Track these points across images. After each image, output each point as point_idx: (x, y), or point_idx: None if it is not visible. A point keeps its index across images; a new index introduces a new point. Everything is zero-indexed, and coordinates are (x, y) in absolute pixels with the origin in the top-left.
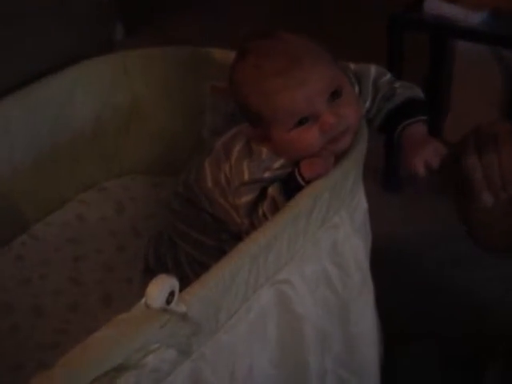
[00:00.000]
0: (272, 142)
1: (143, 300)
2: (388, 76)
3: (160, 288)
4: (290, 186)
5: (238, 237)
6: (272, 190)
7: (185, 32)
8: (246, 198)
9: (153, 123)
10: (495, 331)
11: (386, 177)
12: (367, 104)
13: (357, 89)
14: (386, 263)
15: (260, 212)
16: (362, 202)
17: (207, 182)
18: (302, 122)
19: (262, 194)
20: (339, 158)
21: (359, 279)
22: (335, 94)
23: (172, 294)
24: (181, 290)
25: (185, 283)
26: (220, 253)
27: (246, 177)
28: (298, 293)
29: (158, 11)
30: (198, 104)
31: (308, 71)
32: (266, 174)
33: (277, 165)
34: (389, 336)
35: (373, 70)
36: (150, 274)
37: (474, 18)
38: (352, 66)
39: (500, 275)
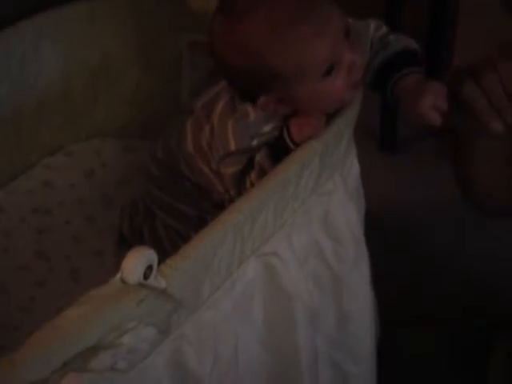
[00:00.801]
0: (294, 102)
1: (118, 275)
2: (384, 29)
3: (137, 261)
4: (279, 151)
5: (220, 206)
6: (260, 158)
7: None
8: (233, 169)
9: (125, 82)
10: (497, 310)
11: (381, 137)
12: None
13: None
14: (379, 231)
15: (248, 182)
16: (354, 165)
17: (188, 146)
18: (329, 71)
19: (250, 163)
20: (331, 117)
21: (353, 251)
22: (347, 33)
23: (150, 267)
24: (159, 264)
25: (163, 256)
26: (201, 223)
27: (233, 146)
28: (286, 266)
29: None
30: (174, 59)
31: (324, 12)
32: (254, 142)
33: (266, 129)
34: (383, 314)
35: (372, 26)
36: (124, 246)
37: None
38: (350, 20)
39: (506, 247)
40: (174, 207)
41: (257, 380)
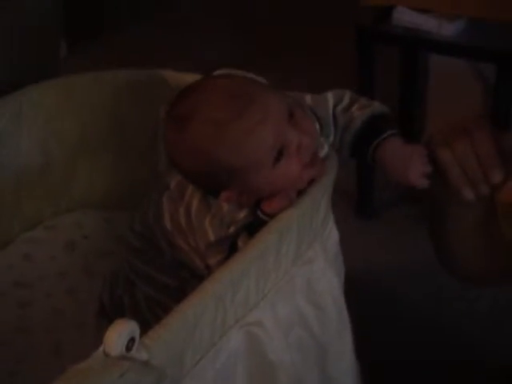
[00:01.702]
0: (255, 191)
1: (101, 348)
2: (345, 100)
3: (119, 334)
4: (258, 229)
5: (200, 276)
6: (242, 243)
7: (131, 49)
8: (217, 259)
9: (104, 154)
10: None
11: (357, 202)
12: (331, 138)
13: (317, 125)
14: (360, 296)
15: None
16: (333, 232)
17: (166, 222)
18: (279, 156)
19: (233, 249)
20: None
21: (336, 317)
22: (291, 115)
23: (132, 339)
24: (141, 335)
25: (144, 327)
26: (181, 293)
27: (212, 238)
28: (270, 336)
29: (102, 26)
30: (152, 132)
31: (262, 101)
32: (231, 229)
33: (241, 215)
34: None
35: (330, 98)
36: (105, 318)
37: (449, 28)
38: (308, 97)
39: (484, 308)
40: (153, 278)
41: None
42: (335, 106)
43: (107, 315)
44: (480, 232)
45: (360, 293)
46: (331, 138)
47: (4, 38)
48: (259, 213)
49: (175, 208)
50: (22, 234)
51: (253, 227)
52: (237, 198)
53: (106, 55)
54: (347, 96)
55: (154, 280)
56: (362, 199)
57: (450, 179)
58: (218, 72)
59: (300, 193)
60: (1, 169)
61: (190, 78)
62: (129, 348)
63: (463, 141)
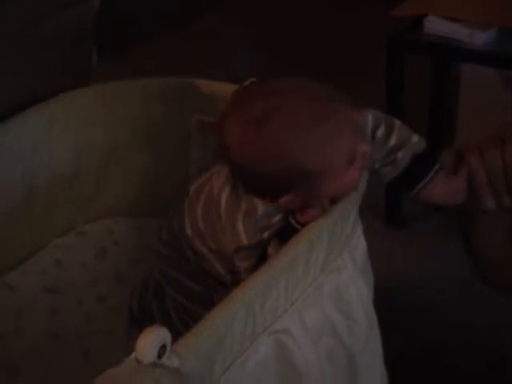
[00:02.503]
0: (315, 196)
1: (133, 354)
2: (382, 126)
3: (151, 341)
4: (289, 236)
5: (225, 282)
6: (272, 250)
7: (156, 62)
8: (248, 263)
9: (135, 162)
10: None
11: (387, 212)
12: None
13: None
14: (388, 306)
15: None
16: (361, 242)
17: (187, 228)
18: (350, 162)
19: (263, 255)
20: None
21: (366, 326)
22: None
23: (164, 347)
24: (171, 343)
25: (173, 334)
26: (209, 300)
27: (245, 241)
28: (298, 344)
29: (131, 37)
30: (183, 140)
31: (341, 109)
32: (265, 235)
33: (275, 220)
34: None
35: (369, 120)
36: (135, 325)
37: (480, 37)
38: None
39: None
40: (182, 284)
41: None
42: (374, 129)
43: (137, 323)
44: (506, 246)
45: (389, 303)
46: None
47: (39, 45)
48: (292, 220)
49: (193, 210)
50: (54, 240)
51: (284, 234)
52: (295, 203)
53: (131, 67)
54: (383, 120)
55: (183, 286)
56: (390, 209)
57: (475, 185)
58: (249, 81)
59: (332, 202)
60: (33, 175)
61: (223, 87)
62: (160, 355)
63: (494, 150)
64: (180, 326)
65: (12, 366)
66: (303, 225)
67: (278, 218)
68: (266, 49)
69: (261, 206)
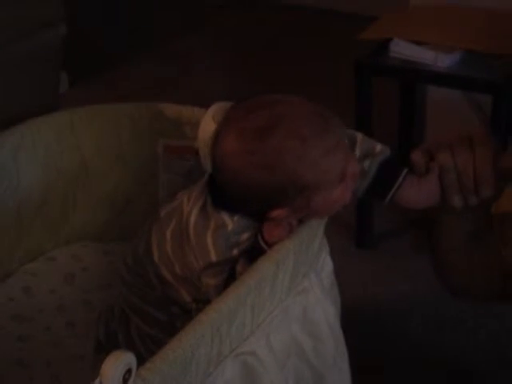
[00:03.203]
0: (308, 210)
1: (97, 380)
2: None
3: (116, 366)
4: (257, 256)
5: (190, 310)
6: (240, 267)
7: (132, 84)
8: (216, 280)
9: (103, 186)
10: None
11: (357, 233)
12: None
13: None
14: (359, 326)
15: None
16: (328, 262)
17: (153, 253)
18: (342, 179)
19: (231, 273)
20: None
21: (332, 346)
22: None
23: (129, 371)
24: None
25: (139, 362)
26: (173, 328)
27: (214, 258)
28: (265, 366)
29: (103, 61)
30: (151, 164)
31: (337, 126)
32: (235, 251)
33: (245, 237)
34: None
35: (358, 139)
36: (101, 351)
37: (445, 60)
38: None
39: (485, 336)
40: (145, 312)
41: None
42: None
43: (103, 349)
44: (476, 247)
45: (360, 322)
46: None
47: (4, 69)
48: (260, 240)
49: (162, 235)
50: (23, 265)
51: (252, 253)
52: (288, 217)
53: (107, 89)
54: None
55: (146, 314)
56: (361, 229)
57: (445, 183)
58: (218, 104)
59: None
60: (1, 201)
61: (189, 110)
62: (125, 380)
63: (465, 151)
64: (146, 354)
65: None
66: (270, 245)
67: (247, 235)
68: (239, 73)
69: (230, 224)
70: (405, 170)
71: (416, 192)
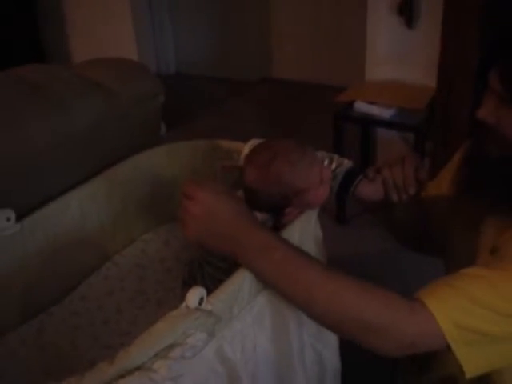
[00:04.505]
0: (306, 205)
1: (184, 303)
2: (327, 158)
3: (195, 295)
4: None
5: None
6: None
7: (206, 129)
8: None
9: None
10: None
11: (336, 214)
12: None
13: None
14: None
15: None
16: (319, 232)
17: None
18: (321, 181)
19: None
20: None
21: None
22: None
23: (202, 298)
24: (208, 296)
25: (209, 293)
26: (230, 272)
27: None
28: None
29: (187, 115)
30: (211, 177)
31: (312, 151)
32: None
33: (269, 224)
34: None
35: (324, 155)
36: (186, 286)
37: (387, 113)
38: None
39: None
40: (214, 263)
41: (267, 362)
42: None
43: (187, 285)
44: (407, 216)
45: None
46: None
47: (128, 126)
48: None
49: None
50: (141, 236)
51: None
52: (294, 212)
53: (190, 135)
54: (327, 156)
55: (215, 264)
56: (338, 212)
57: (385, 187)
58: (253, 140)
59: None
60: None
61: (237, 145)
62: (200, 303)
63: (398, 166)
64: (212, 288)
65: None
66: (283, 224)
67: (270, 224)
68: (264, 124)
69: (259, 216)
70: (361, 176)
71: (368, 190)
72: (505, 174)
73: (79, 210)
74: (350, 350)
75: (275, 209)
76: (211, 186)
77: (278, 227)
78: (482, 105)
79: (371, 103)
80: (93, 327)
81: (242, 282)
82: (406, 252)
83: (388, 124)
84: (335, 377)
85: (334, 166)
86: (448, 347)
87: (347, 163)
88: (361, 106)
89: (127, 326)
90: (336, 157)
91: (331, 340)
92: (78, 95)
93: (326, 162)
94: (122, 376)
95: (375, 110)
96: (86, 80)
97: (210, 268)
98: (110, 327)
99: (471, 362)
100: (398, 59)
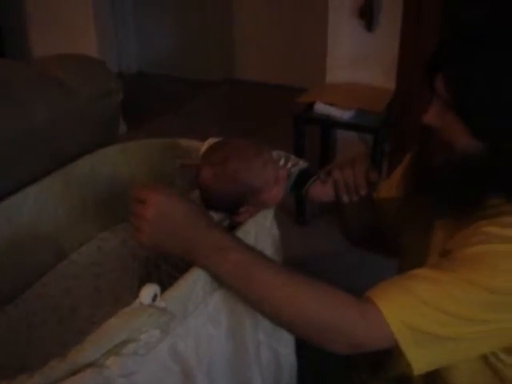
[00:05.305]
0: (260, 204)
1: (138, 300)
2: (283, 158)
3: (148, 292)
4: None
5: None
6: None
7: (167, 129)
8: None
9: None
10: None
11: (296, 215)
12: None
13: None
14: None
15: None
16: (276, 232)
17: None
18: (276, 181)
19: None
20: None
21: None
22: None
23: (156, 295)
24: (162, 293)
25: (163, 289)
26: (186, 270)
27: None
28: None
29: (149, 114)
30: (169, 175)
31: (267, 150)
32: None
33: (225, 224)
34: None
35: (281, 155)
36: (142, 284)
37: (346, 114)
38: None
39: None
40: (170, 261)
41: (222, 360)
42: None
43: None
44: (359, 216)
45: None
46: None
47: (87, 122)
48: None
49: None
50: (98, 234)
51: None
52: (250, 210)
53: (150, 133)
54: (284, 155)
55: (171, 262)
56: (298, 213)
57: (337, 188)
58: (210, 139)
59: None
60: (85, 191)
61: (195, 143)
62: (154, 300)
63: (349, 168)
64: (168, 285)
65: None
66: (239, 224)
67: (226, 223)
68: (225, 125)
69: (215, 217)
70: (315, 177)
71: (319, 191)
72: (449, 179)
73: (35, 206)
74: (306, 347)
75: (231, 208)
76: (162, 188)
77: (233, 226)
78: (428, 109)
79: (331, 105)
80: (48, 326)
81: (196, 279)
82: (364, 252)
83: (347, 125)
84: (291, 373)
85: (289, 165)
86: (397, 346)
87: (302, 164)
88: (321, 108)
89: (83, 324)
90: (292, 157)
91: (287, 337)
92: (36, 91)
93: (281, 162)
94: (73, 372)
95: (335, 112)
96: (44, 76)
97: (167, 266)
98: (66, 326)
99: (420, 361)
100: (358, 61)
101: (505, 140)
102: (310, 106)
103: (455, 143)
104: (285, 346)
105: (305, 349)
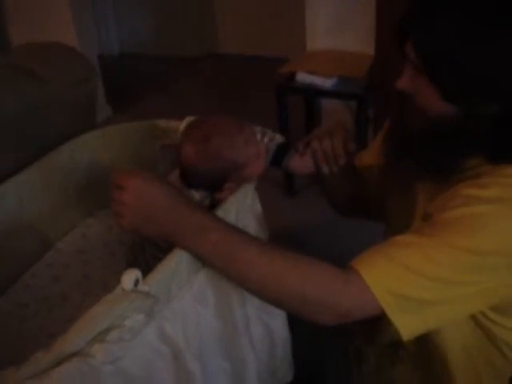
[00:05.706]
0: (244, 179)
1: (120, 285)
2: (260, 133)
3: (129, 277)
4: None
5: None
6: None
7: (153, 110)
8: None
9: None
10: None
11: (285, 186)
12: None
13: None
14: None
15: None
16: (258, 207)
17: None
18: (258, 156)
19: None
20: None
21: None
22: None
23: (138, 280)
24: (144, 277)
25: (148, 272)
26: (168, 251)
27: None
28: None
29: (134, 96)
30: (150, 157)
31: (249, 126)
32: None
33: (206, 202)
34: None
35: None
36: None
37: (328, 82)
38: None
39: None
40: (155, 243)
41: (213, 340)
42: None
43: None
44: (342, 186)
45: (286, 239)
46: None
47: (64, 107)
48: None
49: None
50: (83, 221)
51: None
52: (234, 186)
53: (136, 115)
54: (260, 130)
55: (156, 245)
56: (287, 184)
57: (316, 160)
58: (188, 118)
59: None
60: (67, 180)
61: (173, 123)
62: (136, 285)
63: (327, 138)
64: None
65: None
66: (220, 201)
67: (207, 202)
68: (210, 102)
69: (196, 195)
70: (292, 150)
71: (298, 164)
72: (426, 143)
73: (16, 198)
74: (298, 319)
75: (213, 185)
76: (140, 173)
77: (214, 205)
78: (401, 75)
79: (313, 73)
80: (40, 316)
81: (178, 261)
82: (353, 220)
83: (330, 93)
84: (285, 347)
85: (266, 140)
86: (384, 314)
87: (279, 138)
88: (303, 77)
89: (74, 311)
90: (269, 131)
91: (278, 310)
92: (8, 83)
93: (258, 137)
94: (59, 363)
95: (317, 80)
96: (16, 67)
97: (153, 248)
98: (56, 314)
99: (407, 327)
100: (337, 28)
101: (477, 102)
102: (292, 75)
103: (429, 108)
104: (276, 319)
105: (297, 321)
